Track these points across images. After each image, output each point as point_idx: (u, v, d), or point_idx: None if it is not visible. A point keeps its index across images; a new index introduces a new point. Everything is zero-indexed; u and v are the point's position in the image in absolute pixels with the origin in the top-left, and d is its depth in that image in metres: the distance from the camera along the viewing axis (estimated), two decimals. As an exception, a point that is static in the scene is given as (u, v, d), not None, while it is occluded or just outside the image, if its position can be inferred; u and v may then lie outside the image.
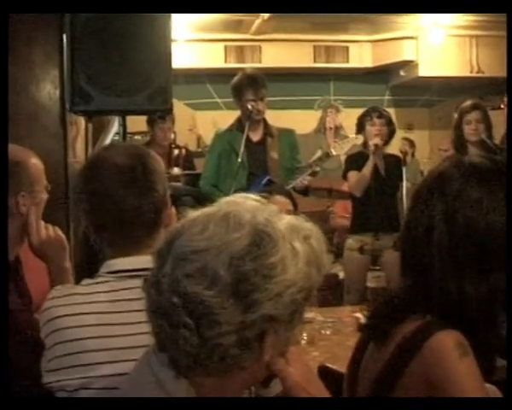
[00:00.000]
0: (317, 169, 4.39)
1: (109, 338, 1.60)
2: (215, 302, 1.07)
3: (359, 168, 4.55)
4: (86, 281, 1.74)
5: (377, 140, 4.48)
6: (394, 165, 4.65)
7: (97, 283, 1.71)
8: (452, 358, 1.30)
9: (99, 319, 1.63)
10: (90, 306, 1.65)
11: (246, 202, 1.18)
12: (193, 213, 1.17)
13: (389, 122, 4.64)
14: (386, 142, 4.67)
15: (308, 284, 1.15)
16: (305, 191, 4.37)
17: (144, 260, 1.63)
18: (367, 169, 4.48)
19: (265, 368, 1.19)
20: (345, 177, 4.75)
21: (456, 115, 4.57)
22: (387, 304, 1.49)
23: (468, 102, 4.49)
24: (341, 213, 6.15)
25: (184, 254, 1.11)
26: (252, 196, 1.22)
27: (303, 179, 4.26)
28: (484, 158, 1.49)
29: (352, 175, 4.61)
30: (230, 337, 1.09)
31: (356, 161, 4.65)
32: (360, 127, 4.64)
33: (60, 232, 2.25)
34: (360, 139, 4.63)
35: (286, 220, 1.17)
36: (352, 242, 4.63)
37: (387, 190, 4.51)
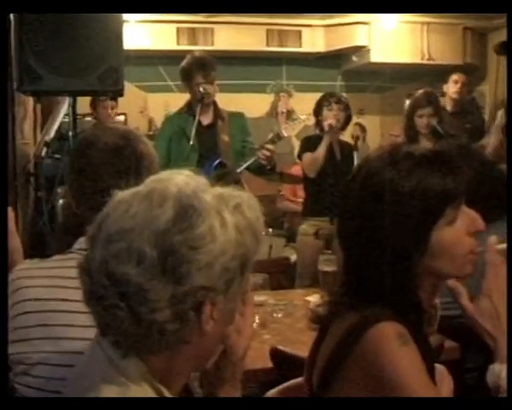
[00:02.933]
0: (276, 139, 4.36)
1: (71, 314, 1.60)
2: (143, 280, 1.07)
3: (314, 150, 4.58)
4: (56, 256, 1.74)
5: (332, 121, 4.52)
6: (348, 151, 4.70)
7: (66, 258, 1.71)
8: (392, 347, 1.31)
9: (62, 293, 1.62)
10: (55, 280, 1.66)
11: (173, 178, 1.17)
12: (120, 194, 1.17)
13: (346, 108, 4.69)
14: (343, 127, 4.73)
15: (241, 251, 1.15)
16: (270, 166, 4.32)
17: None
18: (321, 149, 4.51)
19: (213, 342, 1.20)
20: (300, 157, 4.77)
21: (407, 104, 4.62)
22: (333, 294, 1.52)
23: (422, 95, 4.51)
24: (289, 196, 6.18)
25: (110, 236, 1.10)
26: (182, 171, 1.20)
27: (263, 152, 4.22)
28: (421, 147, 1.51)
29: (307, 156, 4.64)
30: (164, 312, 1.08)
31: (312, 143, 4.67)
32: (318, 111, 4.66)
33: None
34: (311, 120, 4.65)
35: (214, 192, 1.16)
36: (306, 227, 4.64)
37: (342, 175, 4.53)
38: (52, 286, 1.64)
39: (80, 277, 1.15)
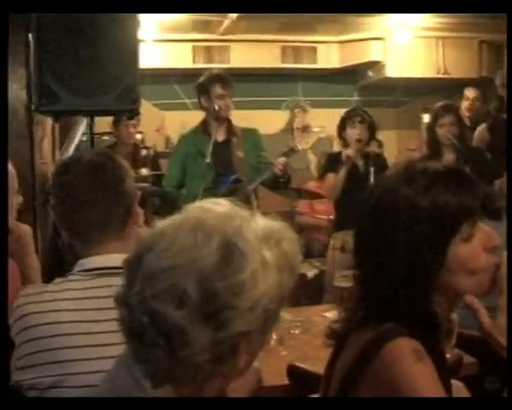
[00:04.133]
0: (290, 152, 4.38)
1: (80, 336, 1.61)
2: (185, 323, 1.06)
3: (337, 170, 4.60)
4: (58, 279, 1.75)
5: (350, 151, 4.57)
6: (371, 160, 4.66)
7: (69, 281, 1.73)
8: (407, 363, 1.31)
9: (70, 316, 1.64)
10: (61, 303, 1.66)
11: (215, 209, 1.15)
12: (161, 224, 1.14)
13: (371, 125, 4.70)
14: (367, 143, 4.74)
15: (280, 291, 1.14)
16: (284, 179, 4.33)
17: (113, 259, 1.66)
18: (339, 178, 4.54)
19: (242, 370, 1.19)
20: (322, 176, 4.79)
21: (426, 117, 4.62)
22: (349, 310, 1.52)
23: (442, 105, 4.49)
24: (306, 211, 6.18)
25: (152, 273, 1.08)
26: (222, 200, 1.19)
27: (278, 161, 4.23)
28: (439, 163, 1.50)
29: (329, 179, 4.67)
30: (204, 355, 1.08)
31: (335, 162, 4.68)
32: (341, 128, 4.69)
33: (24, 227, 2.23)
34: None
35: (256, 226, 1.15)
36: (335, 241, 4.63)
37: (366, 186, 4.51)
38: (60, 310, 1.65)
39: (118, 309, 1.13)
